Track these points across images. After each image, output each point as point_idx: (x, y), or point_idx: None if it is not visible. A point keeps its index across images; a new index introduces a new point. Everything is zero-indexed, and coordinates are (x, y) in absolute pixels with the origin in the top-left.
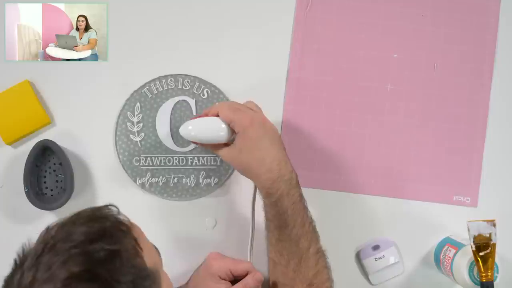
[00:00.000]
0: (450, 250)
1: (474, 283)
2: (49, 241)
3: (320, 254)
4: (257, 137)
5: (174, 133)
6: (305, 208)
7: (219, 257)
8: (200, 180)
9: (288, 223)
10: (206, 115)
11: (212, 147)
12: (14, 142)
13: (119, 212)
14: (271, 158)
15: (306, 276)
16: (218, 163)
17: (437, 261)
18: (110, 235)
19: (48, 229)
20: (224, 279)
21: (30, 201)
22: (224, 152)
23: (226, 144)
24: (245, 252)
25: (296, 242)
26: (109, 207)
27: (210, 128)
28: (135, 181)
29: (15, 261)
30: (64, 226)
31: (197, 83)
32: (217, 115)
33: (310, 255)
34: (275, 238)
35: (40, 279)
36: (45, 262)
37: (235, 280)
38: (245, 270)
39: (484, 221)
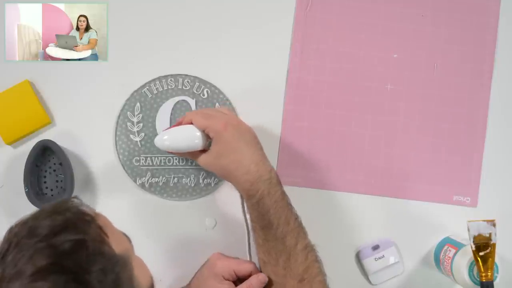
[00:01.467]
0: (450, 250)
1: (474, 283)
2: (13, 239)
3: (309, 249)
4: (232, 140)
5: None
6: (288, 205)
7: (223, 257)
8: (200, 180)
9: (272, 223)
10: (180, 124)
11: (189, 155)
12: (14, 142)
13: (82, 203)
14: (248, 160)
15: (296, 272)
16: None
17: (437, 261)
18: (74, 226)
19: (11, 228)
20: (228, 279)
21: (30, 201)
22: (201, 159)
23: (203, 151)
24: (245, 252)
25: (283, 240)
26: (72, 199)
27: (185, 137)
28: (135, 181)
29: None
30: (27, 222)
31: (197, 83)
32: (191, 123)
33: (298, 251)
34: (261, 239)
35: (8, 276)
36: (11, 259)
37: (238, 280)
38: (248, 270)
39: (484, 221)
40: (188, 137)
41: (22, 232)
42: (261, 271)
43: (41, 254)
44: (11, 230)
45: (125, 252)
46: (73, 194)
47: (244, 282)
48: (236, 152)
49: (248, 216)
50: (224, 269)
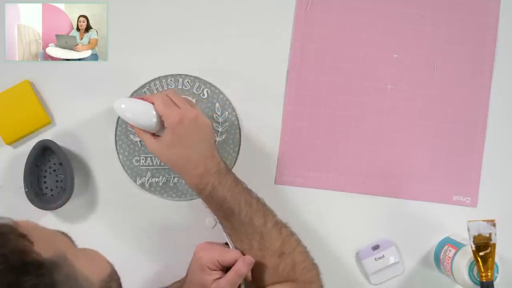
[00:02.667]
0: (450, 250)
1: (474, 283)
2: None
3: (281, 225)
4: (185, 134)
5: None
6: (245, 190)
7: (207, 247)
8: None
9: (233, 209)
10: (142, 99)
11: (140, 134)
12: (14, 142)
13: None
14: (197, 155)
15: (273, 249)
16: None
17: (437, 261)
18: None
19: None
20: (214, 270)
21: (30, 201)
22: (151, 144)
23: (154, 135)
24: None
25: (250, 222)
26: None
27: (142, 113)
28: (135, 181)
29: None
30: None
31: (197, 83)
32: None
33: (270, 228)
34: (229, 228)
35: None
36: None
37: (226, 268)
38: (233, 259)
39: (484, 221)
40: (145, 114)
41: None
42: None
43: None
44: None
45: (58, 253)
46: (73, 194)
47: (232, 268)
48: (186, 147)
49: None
50: (208, 261)
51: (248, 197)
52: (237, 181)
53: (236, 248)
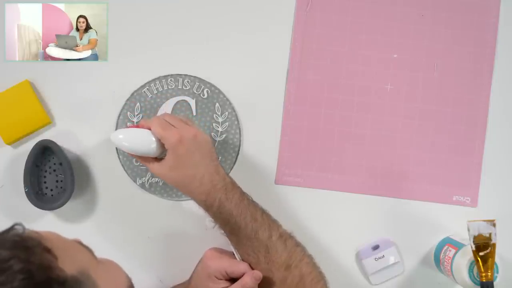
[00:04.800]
0: (450, 250)
1: (474, 283)
2: None
3: (285, 236)
4: (186, 153)
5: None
6: (250, 204)
7: (217, 256)
8: None
9: (239, 225)
10: (138, 127)
11: (143, 160)
12: (14, 142)
13: (24, 229)
14: (201, 173)
15: (279, 262)
16: None
17: (437, 261)
18: (16, 257)
19: None
20: (221, 279)
21: (30, 201)
22: (154, 168)
23: (157, 159)
24: None
25: (256, 237)
26: (15, 227)
27: (141, 140)
28: (135, 181)
29: None
30: None
31: (197, 83)
32: (150, 129)
33: (274, 241)
34: (235, 243)
35: None
36: None
37: (233, 278)
38: (241, 272)
39: (484, 221)
40: (144, 141)
41: None
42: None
43: None
44: None
45: (81, 270)
46: (73, 194)
47: (239, 281)
48: (189, 166)
49: None
50: (216, 270)
51: (254, 210)
52: (243, 195)
53: (244, 261)
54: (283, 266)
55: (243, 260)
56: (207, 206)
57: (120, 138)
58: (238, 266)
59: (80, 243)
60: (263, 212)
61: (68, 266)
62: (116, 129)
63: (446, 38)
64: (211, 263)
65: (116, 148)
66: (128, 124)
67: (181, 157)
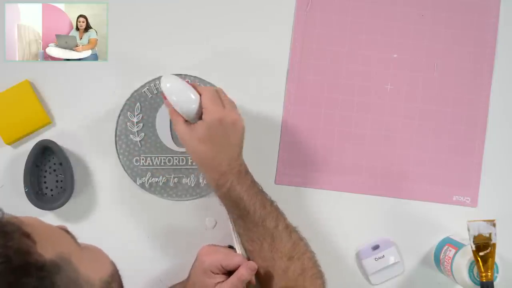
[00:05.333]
0: (450, 250)
1: (474, 283)
2: None
3: (291, 228)
4: (218, 135)
5: (174, 133)
6: (261, 192)
7: (211, 251)
8: (200, 180)
9: (248, 210)
10: (191, 85)
11: (173, 114)
12: (14, 142)
13: (3, 214)
14: (223, 155)
15: (283, 252)
16: None
17: (437, 261)
18: None
19: None
20: (217, 273)
21: (30, 201)
22: (182, 129)
23: (187, 122)
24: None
25: (263, 224)
26: None
27: (185, 97)
28: (135, 181)
29: None
30: None
31: (197, 83)
32: (200, 94)
33: (281, 231)
34: (242, 228)
35: None
36: None
37: (229, 271)
38: (236, 264)
39: (484, 221)
40: (187, 98)
41: None
42: (249, 259)
43: None
44: None
45: (60, 255)
46: (73, 194)
47: (235, 273)
48: (216, 146)
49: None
50: (212, 264)
51: (263, 199)
52: (254, 182)
53: (246, 248)
54: (286, 256)
55: (246, 247)
56: (218, 186)
57: (168, 86)
58: (232, 258)
59: (64, 229)
60: (272, 202)
61: (47, 251)
62: (116, 128)
63: (446, 38)
64: (206, 258)
65: (116, 148)
66: (134, 94)
67: (213, 135)
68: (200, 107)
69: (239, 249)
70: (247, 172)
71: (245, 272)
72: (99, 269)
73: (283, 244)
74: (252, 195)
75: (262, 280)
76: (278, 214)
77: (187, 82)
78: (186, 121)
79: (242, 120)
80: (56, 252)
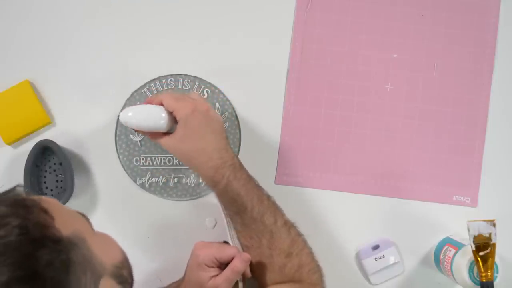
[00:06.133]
0: (450, 250)
1: (474, 283)
2: None
3: (289, 224)
4: (198, 125)
5: None
6: (257, 186)
7: (205, 245)
8: (200, 180)
9: (246, 205)
10: (150, 103)
11: (152, 136)
12: (14, 142)
13: (23, 190)
14: (211, 147)
15: (282, 248)
16: None
17: (437, 261)
18: (15, 214)
19: None
20: (212, 267)
21: None
22: (164, 141)
23: (167, 134)
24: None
25: (262, 220)
26: (15, 187)
27: (150, 116)
28: (135, 181)
29: None
30: None
31: (197, 83)
32: (161, 104)
33: (279, 227)
34: (239, 224)
35: None
36: None
37: (224, 265)
38: (230, 256)
39: (484, 221)
40: (153, 116)
41: None
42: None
43: None
44: None
45: (76, 233)
46: (73, 194)
47: (229, 265)
48: (200, 139)
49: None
50: (206, 258)
51: (260, 193)
52: (250, 177)
53: (244, 244)
54: (284, 253)
55: (244, 243)
56: (214, 183)
57: (129, 116)
58: (226, 250)
59: (80, 213)
60: (269, 197)
61: (64, 227)
62: (116, 128)
63: (446, 38)
64: (200, 252)
65: (116, 148)
66: (134, 94)
67: (192, 128)
68: (170, 113)
69: (232, 242)
70: (241, 166)
71: (239, 264)
72: (111, 255)
73: (282, 241)
74: (249, 189)
75: (258, 276)
76: (276, 209)
77: (139, 103)
78: (168, 133)
79: (215, 111)
80: (73, 229)
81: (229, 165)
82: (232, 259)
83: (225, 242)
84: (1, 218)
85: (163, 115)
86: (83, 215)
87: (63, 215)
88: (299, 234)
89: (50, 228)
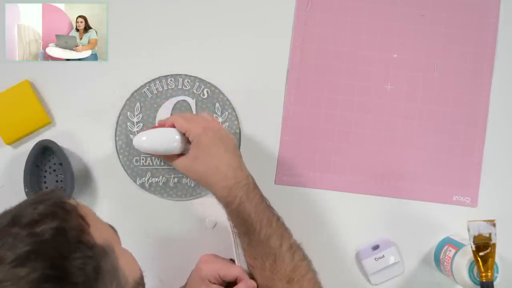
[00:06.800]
0: (450, 250)
1: (474, 283)
2: None
3: (295, 248)
4: (210, 144)
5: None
6: (268, 207)
7: (210, 260)
8: None
9: (254, 227)
10: (162, 126)
11: (167, 158)
12: (14, 142)
13: (64, 194)
14: (225, 165)
15: (284, 273)
16: None
17: (437, 261)
18: (54, 215)
19: None
20: (214, 283)
21: None
22: (178, 162)
23: (181, 155)
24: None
25: (267, 243)
26: (55, 190)
27: (164, 139)
28: (135, 181)
29: None
30: (10, 211)
31: (197, 83)
32: (173, 126)
33: (284, 252)
34: (246, 244)
35: None
36: None
37: (227, 283)
38: (235, 276)
39: (484, 221)
40: (166, 139)
41: (4, 220)
42: (250, 273)
43: (21, 241)
44: None
45: (107, 243)
46: (73, 194)
47: None
48: (213, 157)
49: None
50: (209, 273)
51: (270, 215)
52: (262, 198)
53: (248, 263)
54: (285, 278)
55: (248, 263)
56: (227, 203)
57: (143, 140)
58: (230, 269)
59: (110, 226)
60: (278, 219)
61: (97, 235)
62: (116, 128)
63: (446, 38)
64: (204, 266)
65: (116, 148)
66: (134, 94)
67: (205, 147)
68: (182, 134)
69: (238, 261)
70: (255, 186)
71: None
72: (133, 270)
73: (285, 266)
74: (260, 211)
75: None
76: (284, 232)
77: (152, 126)
78: (182, 154)
79: (226, 130)
80: (105, 239)
81: (242, 185)
82: (236, 278)
83: (231, 260)
84: (41, 216)
85: (177, 137)
86: (113, 228)
87: (97, 223)
88: (303, 259)
89: (85, 234)
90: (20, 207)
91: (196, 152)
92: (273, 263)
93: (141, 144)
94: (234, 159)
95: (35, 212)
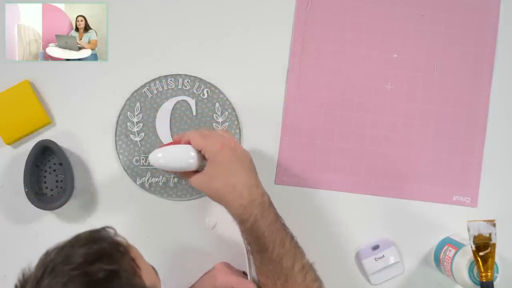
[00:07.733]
0: (450, 250)
1: (474, 283)
2: (49, 265)
3: (307, 269)
4: (227, 162)
5: (174, 133)
6: (282, 226)
7: (226, 271)
8: None
9: (267, 246)
10: (178, 142)
11: (182, 175)
12: (14, 142)
13: (116, 233)
14: (241, 183)
15: None
16: None
17: (437, 261)
18: (108, 256)
19: (47, 253)
20: None
21: (30, 201)
22: (194, 179)
23: (197, 171)
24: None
25: (279, 263)
26: (106, 228)
27: (180, 156)
28: (135, 181)
29: (16, 286)
30: (63, 249)
31: (197, 83)
32: (189, 143)
33: (296, 272)
34: (258, 262)
35: None
36: (45, 285)
37: None
38: None
39: (484, 221)
40: (182, 156)
41: (58, 258)
42: None
43: (75, 281)
44: (47, 255)
45: (153, 285)
46: (73, 194)
47: None
48: (230, 175)
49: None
50: (223, 284)
51: (284, 235)
52: (277, 217)
53: (259, 280)
54: None
55: (259, 280)
56: (242, 220)
57: (158, 157)
58: (245, 285)
59: (152, 266)
60: (292, 238)
61: (146, 278)
62: (116, 128)
63: (446, 38)
64: (220, 275)
65: (116, 148)
66: (134, 94)
67: (222, 164)
68: (198, 152)
69: (251, 277)
70: (270, 204)
71: None
72: None
73: (296, 286)
74: (274, 230)
75: None
76: (296, 251)
77: (167, 144)
78: (198, 171)
79: (242, 147)
80: (151, 282)
81: (258, 204)
82: None
83: (244, 273)
84: (96, 256)
85: (192, 154)
86: (154, 269)
87: (145, 266)
88: (315, 279)
89: (137, 277)
90: (73, 245)
91: (212, 169)
92: (284, 283)
93: (157, 160)
94: (250, 177)
95: (89, 252)
